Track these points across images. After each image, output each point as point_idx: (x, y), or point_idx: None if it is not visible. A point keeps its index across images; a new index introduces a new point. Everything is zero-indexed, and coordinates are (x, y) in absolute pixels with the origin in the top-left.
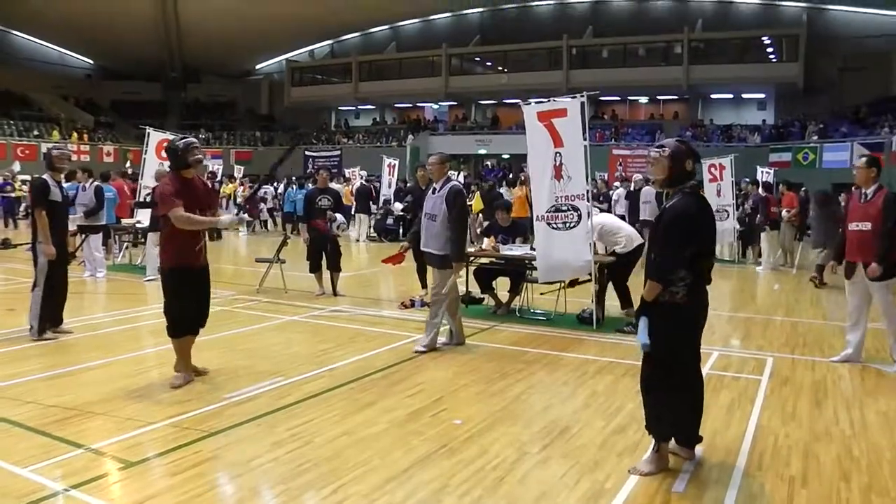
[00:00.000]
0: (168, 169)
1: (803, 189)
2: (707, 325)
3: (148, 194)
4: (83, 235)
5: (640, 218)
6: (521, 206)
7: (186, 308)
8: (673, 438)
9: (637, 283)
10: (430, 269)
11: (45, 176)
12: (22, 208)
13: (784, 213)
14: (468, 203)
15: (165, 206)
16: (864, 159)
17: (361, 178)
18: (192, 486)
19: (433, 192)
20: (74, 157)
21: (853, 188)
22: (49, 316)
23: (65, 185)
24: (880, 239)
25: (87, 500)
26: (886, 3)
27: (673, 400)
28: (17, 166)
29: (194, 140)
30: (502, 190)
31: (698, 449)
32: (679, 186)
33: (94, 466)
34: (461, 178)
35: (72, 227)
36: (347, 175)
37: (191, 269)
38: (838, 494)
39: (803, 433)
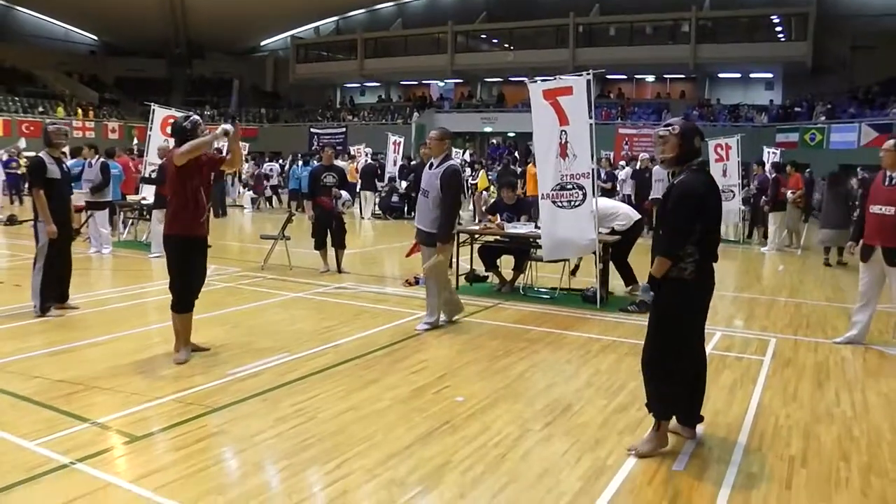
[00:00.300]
0: (173, 146)
1: (808, 170)
2: (711, 305)
3: (153, 171)
4: (89, 212)
5: (652, 196)
6: (534, 184)
7: (191, 281)
8: (674, 417)
9: (637, 262)
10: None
11: (41, 154)
12: (26, 185)
13: (790, 193)
14: (473, 181)
15: (171, 157)
16: (892, 142)
17: (367, 155)
18: (196, 461)
19: (430, 168)
20: (79, 134)
21: (880, 170)
22: (52, 294)
23: (70, 161)
24: None
25: (93, 473)
26: None
27: (675, 378)
28: (22, 143)
29: (199, 119)
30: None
31: (699, 428)
32: (687, 164)
33: (99, 440)
34: (466, 157)
35: (79, 202)
36: (352, 152)
37: (195, 239)
38: (837, 474)
39: (804, 414)
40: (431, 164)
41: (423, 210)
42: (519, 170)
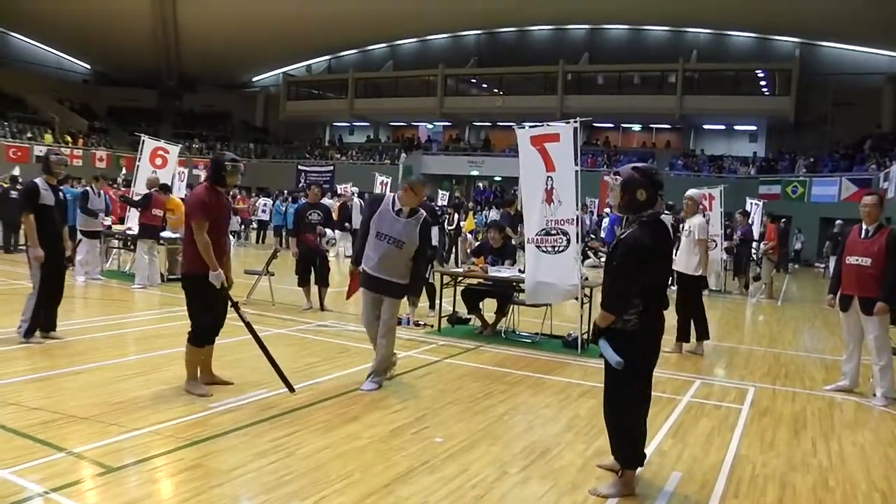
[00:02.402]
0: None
1: (782, 221)
2: (686, 354)
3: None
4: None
5: None
6: None
7: (213, 316)
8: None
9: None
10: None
11: (37, 179)
12: None
13: (762, 245)
14: (461, 223)
15: (194, 214)
16: (873, 197)
17: (353, 194)
18: (173, 494)
19: (398, 215)
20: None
21: (856, 224)
22: (42, 321)
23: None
24: (887, 277)
25: (67, 503)
26: (877, 41)
27: (632, 425)
28: (17, 170)
29: (242, 166)
30: (492, 212)
31: (675, 475)
32: (636, 215)
33: (74, 470)
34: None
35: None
36: (339, 191)
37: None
38: None
39: (781, 462)
40: (400, 212)
41: (392, 260)
42: (494, 212)
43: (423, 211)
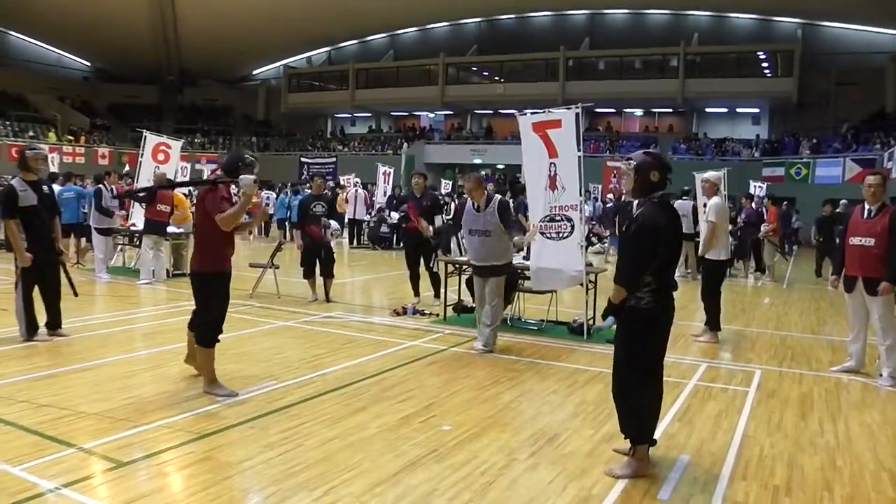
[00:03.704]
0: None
1: (784, 203)
2: (696, 335)
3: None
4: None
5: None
6: None
7: (223, 313)
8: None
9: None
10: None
11: (13, 181)
12: None
13: (763, 227)
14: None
15: (216, 209)
16: (879, 176)
17: (356, 185)
18: (182, 487)
19: (477, 211)
20: (69, 160)
21: (859, 203)
22: (35, 322)
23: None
24: (891, 257)
25: (78, 498)
26: (880, 20)
27: (644, 402)
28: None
29: (258, 164)
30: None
31: (683, 457)
32: (648, 197)
33: (85, 466)
34: (446, 190)
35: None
36: (342, 182)
37: (225, 273)
38: (821, 503)
39: (788, 444)
40: (478, 208)
41: (488, 248)
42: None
43: (495, 197)
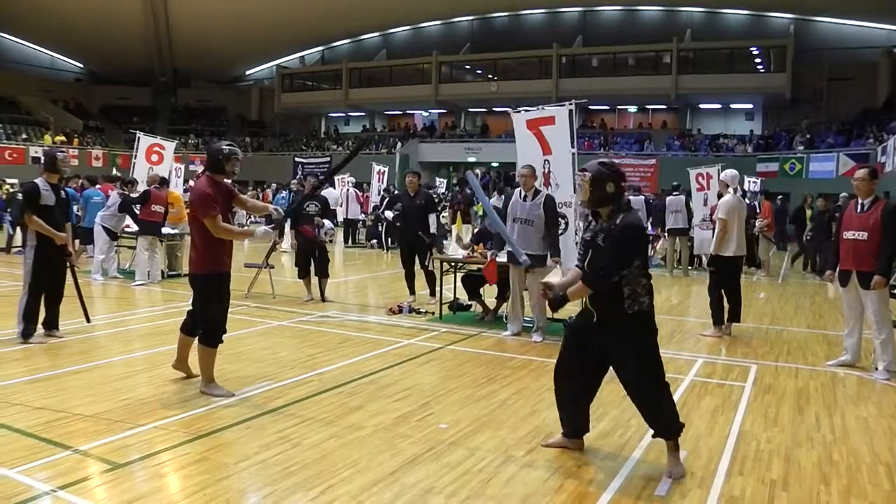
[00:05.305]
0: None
1: (778, 198)
2: (691, 332)
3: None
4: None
5: (668, 227)
6: None
7: (224, 314)
8: (562, 431)
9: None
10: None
11: (37, 180)
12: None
13: (757, 223)
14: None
15: (204, 211)
16: (865, 171)
17: (349, 184)
18: (180, 488)
19: (524, 200)
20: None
21: (853, 198)
22: (41, 320)
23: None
24: (883, 251)
25: (75, 500)
26: (872, 15)
27: (668, 393)
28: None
29: (238, 152)
30: (493, 198)
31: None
32: (618, 205)
33: (81, 468)
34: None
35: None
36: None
37: (224, 274)
38: (818, 497)
39: (785, 438)
40: (525, 197)
41: (526, 237)
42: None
43: (543, 190)
